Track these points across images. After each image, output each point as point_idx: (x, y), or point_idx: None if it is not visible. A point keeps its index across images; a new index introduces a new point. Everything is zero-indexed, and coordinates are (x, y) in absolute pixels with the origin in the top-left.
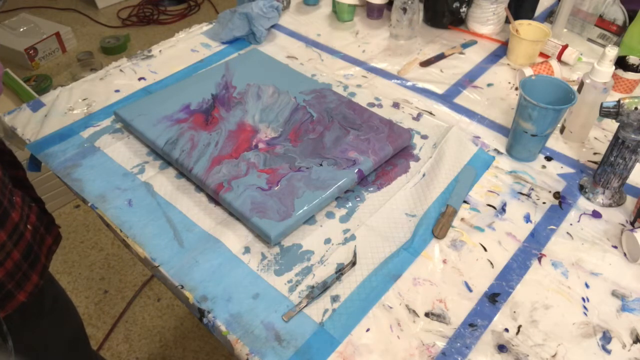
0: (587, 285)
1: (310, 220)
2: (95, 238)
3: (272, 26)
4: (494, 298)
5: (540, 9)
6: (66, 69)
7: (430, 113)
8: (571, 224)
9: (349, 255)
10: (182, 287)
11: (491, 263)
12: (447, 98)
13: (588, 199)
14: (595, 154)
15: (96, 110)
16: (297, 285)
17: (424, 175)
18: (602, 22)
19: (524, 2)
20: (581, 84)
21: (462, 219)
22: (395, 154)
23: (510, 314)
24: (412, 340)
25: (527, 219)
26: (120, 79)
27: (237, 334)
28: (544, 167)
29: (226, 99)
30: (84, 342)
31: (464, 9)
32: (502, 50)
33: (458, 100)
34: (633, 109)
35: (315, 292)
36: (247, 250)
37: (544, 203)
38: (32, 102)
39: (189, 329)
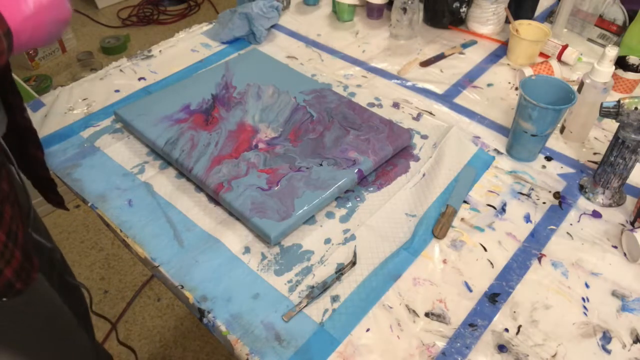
0: (587, 285)
1: (310, 220)
2: (95, 238)
3: (272, 26)
4: (494, 298)
5: (540, 9)
6: (66, 69)
7: (430, 113)
8: (571, 224)
9: (349, 255)
10: (182, 287)
11: (491, 263)
12: (447, 98)
13: (588, 199)
14: (595, 154)
15: (96, 110)
16: (297, 285)
17: (424, 175)
18: (602, 22)
19: (524, 2)
20: (581, 84)
21: (462, 219)
22: (395, 154)
23: (510, 314)
24: (412, 340)
25: (527, 219)
26: (120, 79)
27: (237, 334)
28: (544, 167)
29: (226, 99)
30: (89, 326)
31: (464, 9)
32: (502, 50)
33: (458, 100)
34: (633, 109)
35: (315, 292)
36: (247, 250)
37: (544, 203)
38: (32, 102)
39: (189, 329)
